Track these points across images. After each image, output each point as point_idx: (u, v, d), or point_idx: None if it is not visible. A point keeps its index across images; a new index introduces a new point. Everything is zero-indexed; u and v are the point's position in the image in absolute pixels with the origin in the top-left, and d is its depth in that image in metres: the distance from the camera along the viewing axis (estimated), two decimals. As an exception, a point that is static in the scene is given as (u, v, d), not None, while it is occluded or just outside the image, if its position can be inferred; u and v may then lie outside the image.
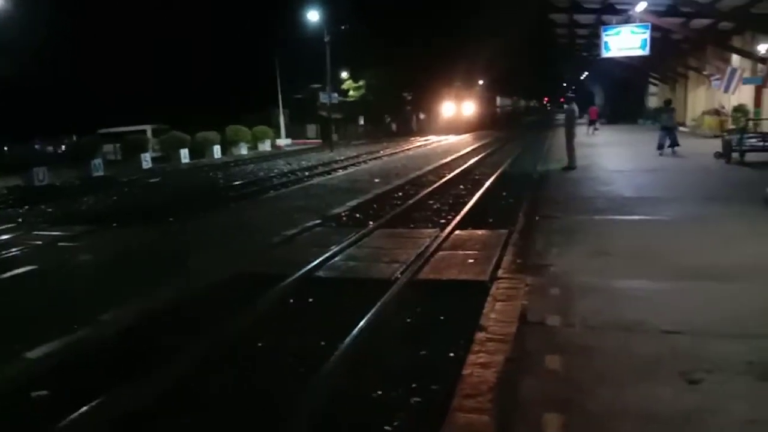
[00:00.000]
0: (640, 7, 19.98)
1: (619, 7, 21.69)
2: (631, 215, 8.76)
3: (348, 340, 4.75)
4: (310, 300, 6.09)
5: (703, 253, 6.48)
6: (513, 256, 6.89)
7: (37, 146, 40.41)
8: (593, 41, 28.76)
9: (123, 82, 40.29)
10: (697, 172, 13.53)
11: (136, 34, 41.59)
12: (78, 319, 5.39)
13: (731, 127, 20.02)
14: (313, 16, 32.50)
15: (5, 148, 37.58)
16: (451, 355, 4.60)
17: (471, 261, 7.00)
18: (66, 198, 16.05)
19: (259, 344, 5.03)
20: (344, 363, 4.46)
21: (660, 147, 17.29)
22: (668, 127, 17.62)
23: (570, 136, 15.26)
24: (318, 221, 10.01)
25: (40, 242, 9.38)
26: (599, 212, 9.14)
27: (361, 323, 5.03)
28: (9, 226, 11.49)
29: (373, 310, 5.31)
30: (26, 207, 15.01)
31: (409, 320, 5.35)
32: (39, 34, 33.85)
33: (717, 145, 15.90)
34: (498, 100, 63.48)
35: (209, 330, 5.16)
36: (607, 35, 22.49)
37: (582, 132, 27.83)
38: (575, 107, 16.44)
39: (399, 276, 6.46)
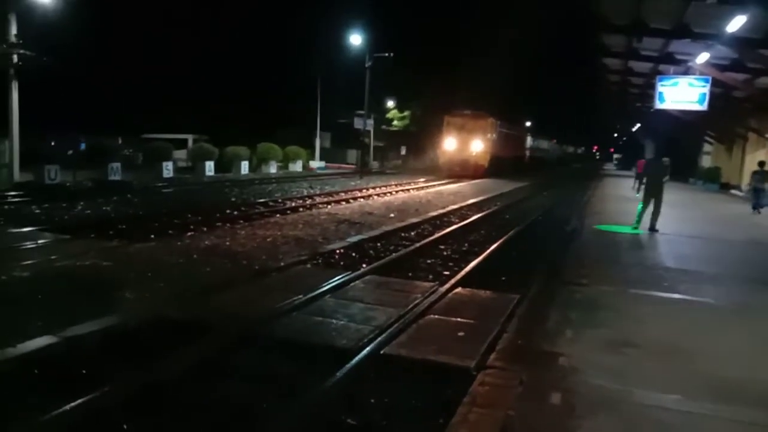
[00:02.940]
0: (702, 58, 18.45)
1: (678, 57, 20.16)
2: (670, 293, 7.29)
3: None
4: (227, 372, 4.60)
5: (757, 362, 5.01)
6: (515, 335, 5.50)
7: (82, 144, 40.42)
8: (647, 91, 27.19)
9: (173, 90, 40.85)
10: (753, 246, 11.85)
11: (190, 46, 41.90)
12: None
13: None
14: (356, 40, 31.76)
15: (52, 143, 37.56)
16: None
17: (461, 334, 5.62)
18: (67, 199, 15.22)
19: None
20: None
21: (754, 207, 17.78)
22: (759, 188, 17.74)
23: (654, 195, 12.84)
24: (305, 257, 8.79)
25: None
26: (632, 284, 7.69)
27: (279, 420, 3.71)
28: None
29: (304, 401, 3.99)
30: (17, 206, 14.25)
31: (349, 421, 3.91)
32: (90, 36, 34.08)
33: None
34: (547, 143, 61.68)
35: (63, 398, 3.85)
36: (662, 85, 20.90)
37: (627, 185, 26.12)
38: (667, 161, 14.13)
39: (363, 345, 5.12)
